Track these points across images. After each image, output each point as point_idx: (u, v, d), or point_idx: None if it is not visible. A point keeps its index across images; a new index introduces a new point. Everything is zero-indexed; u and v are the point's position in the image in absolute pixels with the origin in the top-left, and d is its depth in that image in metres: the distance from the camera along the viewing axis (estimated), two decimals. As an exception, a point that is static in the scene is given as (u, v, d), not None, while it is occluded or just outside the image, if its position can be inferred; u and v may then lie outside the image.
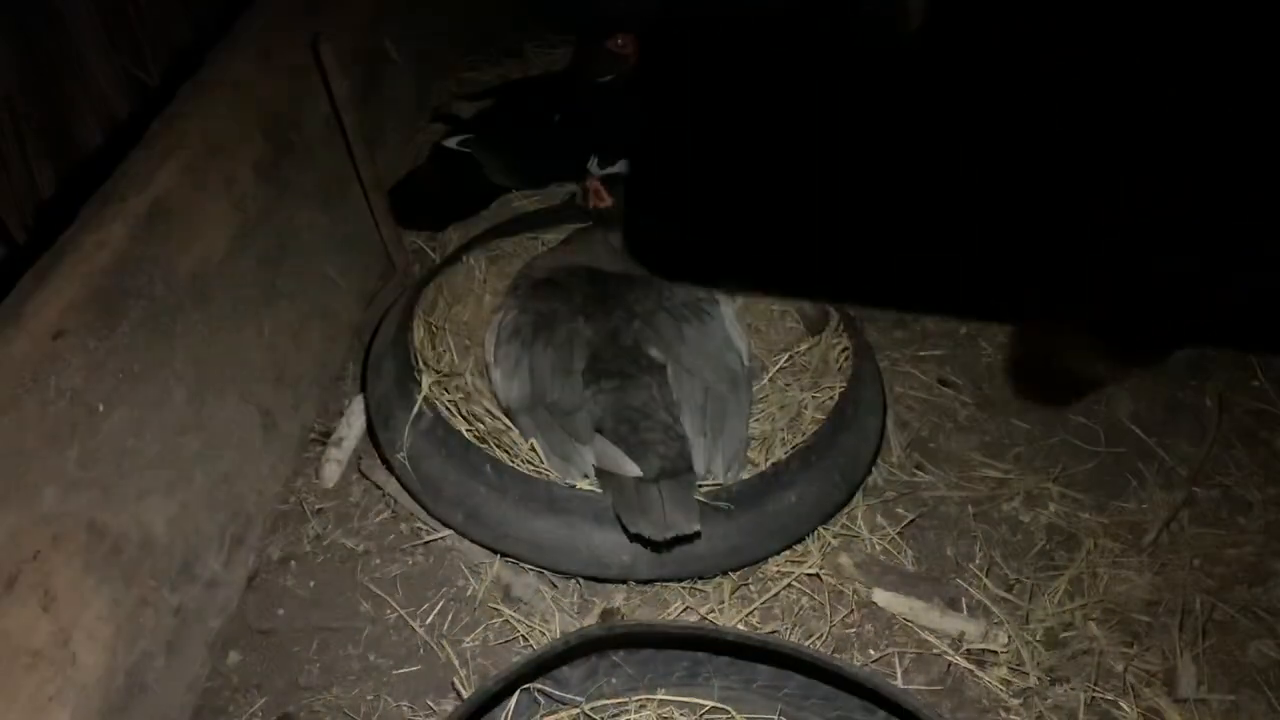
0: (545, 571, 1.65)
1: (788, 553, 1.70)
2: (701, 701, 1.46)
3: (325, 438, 1.86)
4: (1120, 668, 1.60)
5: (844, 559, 1.70)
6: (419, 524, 1.74)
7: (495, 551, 1.66)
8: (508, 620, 1.61)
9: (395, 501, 1.76)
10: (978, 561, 1.75)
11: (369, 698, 1.52)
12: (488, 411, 1.76)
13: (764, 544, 1.63)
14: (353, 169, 2.05)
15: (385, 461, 1.75)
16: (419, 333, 1.87)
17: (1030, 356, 1.95)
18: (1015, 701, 1.54)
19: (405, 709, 1.50)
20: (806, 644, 1.59)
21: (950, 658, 1.60)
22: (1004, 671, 1.58)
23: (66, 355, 1.29)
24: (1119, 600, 1.70)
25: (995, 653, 1.60)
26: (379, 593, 1.64)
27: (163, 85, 2.29)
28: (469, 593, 1.65)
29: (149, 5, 2.28)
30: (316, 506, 1.77)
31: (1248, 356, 2.20)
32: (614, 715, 1.46)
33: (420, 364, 1.78)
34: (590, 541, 1.58)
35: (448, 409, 1.73)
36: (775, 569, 1.69)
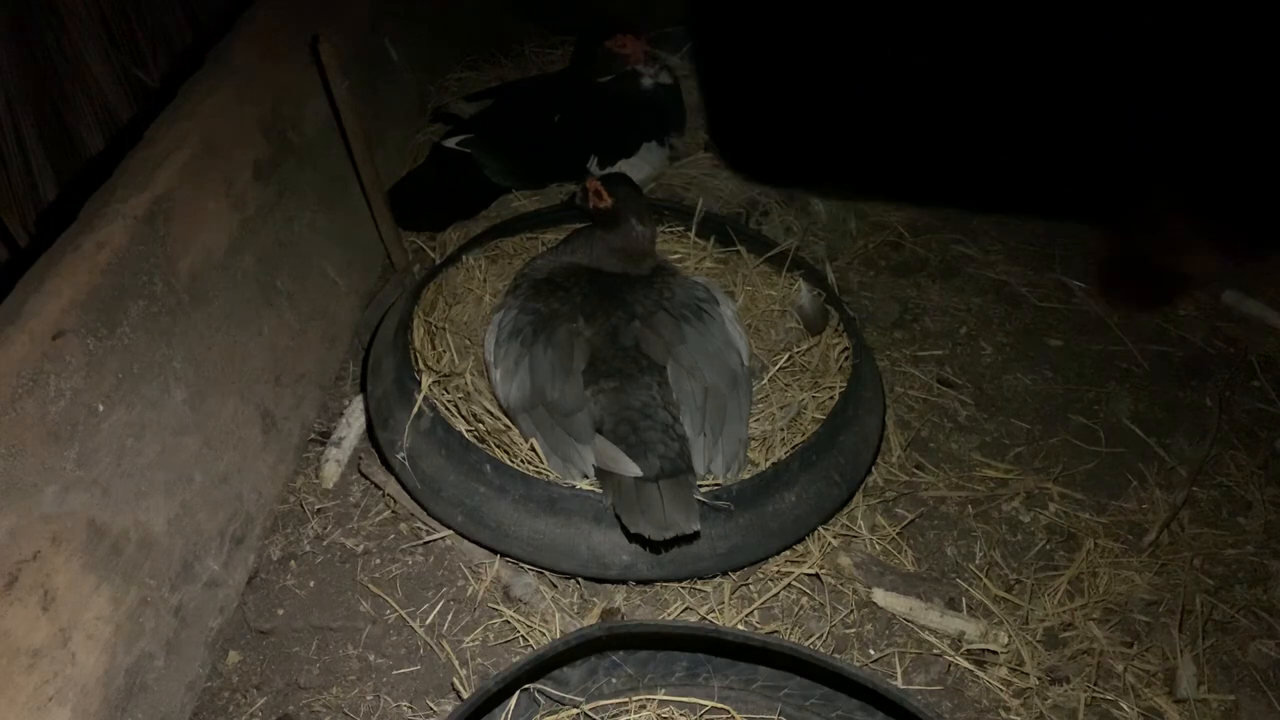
0: (545, 571, 1.65)
1: (788, 553, 1.70)
2: (701, 701, 1.46)
3: (325, 438, 1.86)
4: (1120, 668, 1.60)
5: (844, 559, 1.70)
6: (419, 524, 1.74)
7: (495, 551, 1.66)
8: (508, 620, 1.61)
9: (395, 501, 1.76)
10: (978, 561, 1.75)
11: (369, 698, 1.52)
12: (488, 411, 1.76)
13: (764, 544, 1.63)
14: (353, 169, 2.06)
15: (385, 461, 1.74)
16: (419, 333, 1.87)
17: (1131, 253, 2.11)
18: (1015, 701, 1.54)
19: (405, 709, 1.50)
20: (806, 644, 1.59)
21: (950, 658, 1.60)
22: (1004, 671, 1.58)
23: (66, 355, 1.29)
24: (1119, 600, 1.70)
25: (995, 653, 1.60)
26: (379, 593, 1.64)
27: (163, 85, 2.29)
28: (469, 593, 1.65)
29: (149, 5, 2.29)
30: (316, 506, 1.77)
31: (1247, 356, 2.21)
32: (614, 715, 1.46)
33: (420, 364, 1.78)
34: (590, 541, 1.58)
35: (448, 409, 1.73)
36: (775, 569, 1.69)
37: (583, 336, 1.74)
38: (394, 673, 1.55)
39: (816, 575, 1.68)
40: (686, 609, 1.63)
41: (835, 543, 1.73)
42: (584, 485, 1.62)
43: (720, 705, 1.45)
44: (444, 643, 1.58)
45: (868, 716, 1.42)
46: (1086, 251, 2.30)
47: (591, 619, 1.60)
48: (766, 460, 1.73)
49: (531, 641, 1.58)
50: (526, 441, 1.69)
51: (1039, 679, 1.57)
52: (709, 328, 1.79)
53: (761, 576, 1.69)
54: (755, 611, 1.64)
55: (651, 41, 2.56)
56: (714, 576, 1.66)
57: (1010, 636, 1.61)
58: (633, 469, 1.55)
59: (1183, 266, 2.06)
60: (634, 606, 1.64)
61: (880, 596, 1.65)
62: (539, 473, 1.65)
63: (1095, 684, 1.57)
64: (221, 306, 1.64)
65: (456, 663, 1.55)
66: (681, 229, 2.19)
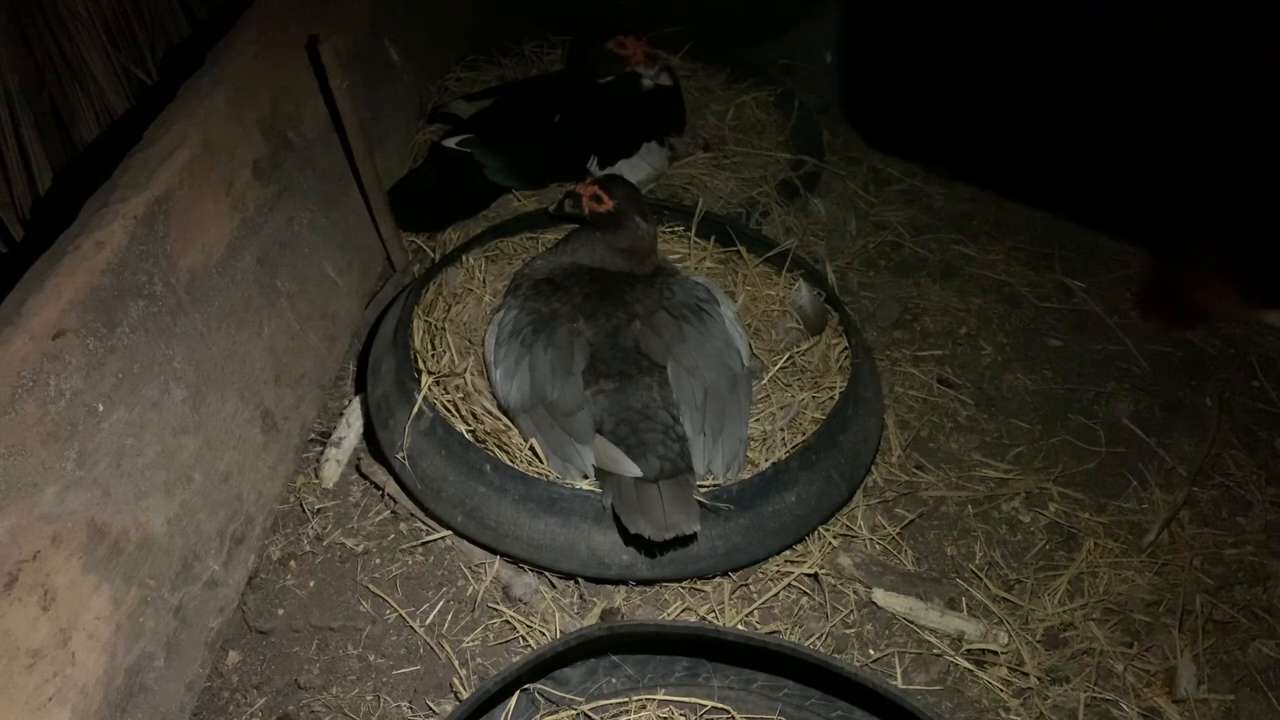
0: (545, 571, 1.65)
1: (788, 553, 1.70)
2: (701, 701, 1.46)
3: (325, 438, 1.86)
4: (1120, 668, 1.60)
5: (844, 559, 1.70)
6: (419, 524, 1.74)
7: (495, 551, 1.66)
8: (507, 620, 1.61)
9: (395, 501, 1.76)
10: (978, 561, 1.75)
11: (369, 698, 1.52)
12: (488, 411, 1.76)
13: (764, 544, 1.63)
14: (352, 169, 2.05)
15: (385, 461, 1.74)
16: (418, 333, 1.86)
17: (1165, 287, 2.36)
18: (1015, 701, 1.54)
19: (405, 709, 1.50)
20: (806, 644, 1.59)
21: (950, 658, 1.60)
22: (1004, 671, 1.58)
23: (66, 355, 1.29)
24: (1119, 600, 1.70)
25: (995, 653, 1.60)
26: (379, 593, 1.64)
27: (163, 84, 2.30)
28: (469, 593, 1.65)
29: (149, 5, 2.29)
30: (316, 506, 1.77)
31: (1248, 356, 2.21)
32: (614, 715, 1.46)
33: (419, 364, 1.78)
34: (590, 541, 1.58)
35: (447, 409, 1.73)
36: (775, 569, 1.69)
37: (583, 336, 1.74)
38: (394, 673, 1.55)
39: (816, 575, 1.68)
40: (686, 609, 1.63)
41: (835, 543, 1.73)
42: (584, 485, 1.62)
43: (720, 705, 1.46)
44: (444, 643, 1.58)
45: (868, 716, 1.42)
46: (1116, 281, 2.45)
47: (591, 619, 1.60)
48: (766, 460, 1.73)
49: (531, 641, 1.58)
50: (526, 442, 1.69)
51: (1039, 679, 1.57)
52: (709, 328, 1.79)
53: (761, 576, 1.69)
54: (755, 611, 1.64)
55: (652, 42, 2.56)
56: (714, 576, 1.66)
57: (1010, 636, 1.61)
58: (632, 469, 1.55)
59: (1211, 302, 2.22)
60: (634, 606, 1.64)
61: (880, 596, 1.65)
62: (539, 473, 1.65)
63: (1095, 684, 1.57)
64: (221, 306, 1.63)
65: (456, 663, 1.55)
66: (681, 229, 2.19)
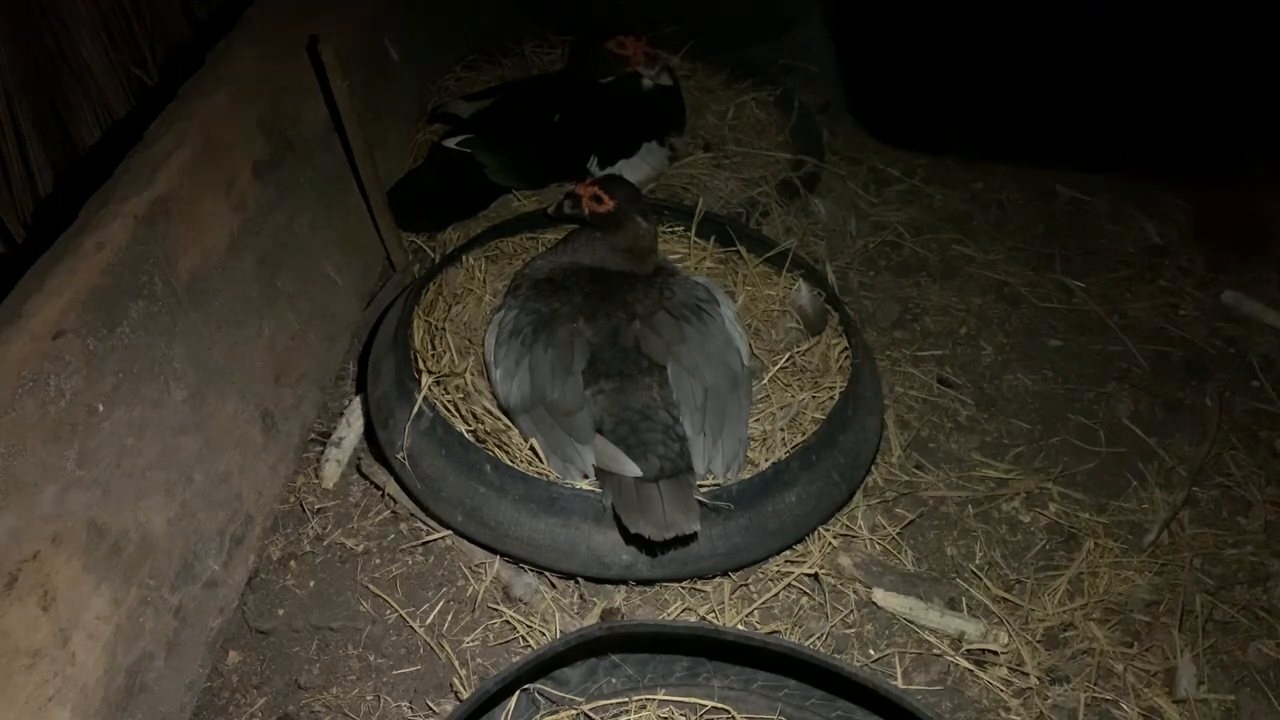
0: (545, 571, 1.65)
1: (788, 553, 1.70)
2: (701, 702, 1.46)
3: (325, 438, 1.86)
4: (1120, 668, 1.60)
5: (844, 559, 1.70)
6: (419, 524, 1.74)
7: (495, 551, 1.66)
8: (507, 620, 1.61)
9: (395, 501, 1.76)
10: (978, 561, 1.75)
11: (369, 698, 1.52)
12: (488, 411, 1.76)
13: (764, 544, 1.63)
14: (352, 169, 2.05)
15: (385, 461, 1.75)
16: (419, 333, 1.87)
17: (1221, 214, 2.53)
18: (1015, 701, 1.54)
19: (405, 709, 1.50)
20: (806, 644, 1.59)
21: (950, 658, 1.60)
22: (1004, 671, 1.58)
23: (66, 355, 1.29)
24: (1119, 600, 1.70)
25: (995, 653, 1.60)
26: (379, 593, 1.64)
27: (163, 84, 2.30)
28: (469, 593, 1.65)
29: (149, 5, 2.29)
30: (316, 506, 1.77)
31: (1247, 356, 2.21)
32: (614, 715, 1.46)
33: (420, 364, 1.78)
34: (590, 541, 1.58)
35: (447, 409, 1.73)
36: (775, 569, 1.69)
37: (583, 336, 1.74)
38: (394, 673, 1.55)
39: (816, 575, 1.68)
40: (686, 609, 1.63)
41: (835, 543, 1.73)
42: (584, 485, 1.62)
43: (720, 705, 1.46)
44: (444, 643, 1.58)
45: (868, 716, 1.42)
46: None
47: (591, 619, 1.60)
48: (766, 460, 1.73)
49: (531, 641, 1.58)
50: (526, 441, 1.69)
51: (1039, 679, 1.57)
52: (709, 328, 1.79)
53: (761, 576, 1.69)
54: (755, 611, 1.64)
55: (652, 42, 2.56)
56: (714, 576, 1.66)
57: (1010, 636, 1.61)
58: (633, 469, 1.55)
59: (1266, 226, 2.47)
60: (634, 606, 1.64)
61: (880, 596, 1.65)
62: (539, 473, 1.65)
63: (1095, 684, 1.57)
64: (221, 306, 1.64)
65: (456, 663, 1.55)
66: (681, 229, 2.19)
